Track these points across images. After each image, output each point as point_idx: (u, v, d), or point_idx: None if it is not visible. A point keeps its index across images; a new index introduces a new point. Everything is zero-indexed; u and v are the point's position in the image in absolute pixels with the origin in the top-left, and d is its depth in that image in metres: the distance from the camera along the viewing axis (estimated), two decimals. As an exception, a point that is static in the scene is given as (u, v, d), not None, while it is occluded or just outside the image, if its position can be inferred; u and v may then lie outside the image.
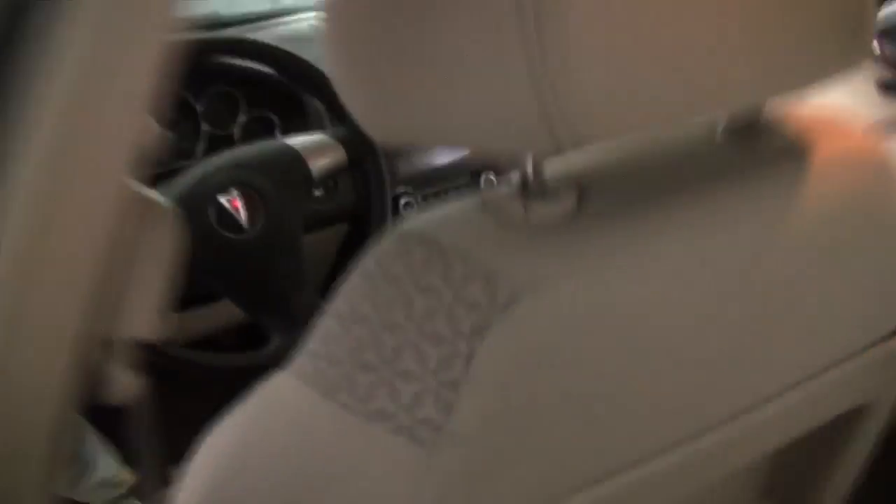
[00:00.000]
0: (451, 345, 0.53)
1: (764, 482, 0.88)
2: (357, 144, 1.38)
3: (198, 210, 1.29)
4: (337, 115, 1.39)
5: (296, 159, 1.36)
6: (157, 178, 1.37)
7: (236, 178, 1.31)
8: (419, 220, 0.59)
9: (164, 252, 0.72)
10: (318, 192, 1.41)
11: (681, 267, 0.59)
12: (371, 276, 0.57)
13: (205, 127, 1.48)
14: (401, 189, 1.50)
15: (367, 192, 1.44)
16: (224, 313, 1.38)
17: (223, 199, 1.30)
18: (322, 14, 0.56)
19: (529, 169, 0.57)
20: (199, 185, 1.32)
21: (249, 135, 1.50)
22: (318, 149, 1.38)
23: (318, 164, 1.36)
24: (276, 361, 0.62)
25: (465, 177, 1.57)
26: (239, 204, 1.30)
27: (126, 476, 1.11)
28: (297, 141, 1.38)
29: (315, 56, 1.41)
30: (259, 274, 1.33)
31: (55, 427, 0.64)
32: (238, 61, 1.41)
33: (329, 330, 0.58)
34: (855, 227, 0.67)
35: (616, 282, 0.56)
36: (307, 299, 1.33)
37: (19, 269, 0.61)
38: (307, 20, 1.64)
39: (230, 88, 1.49)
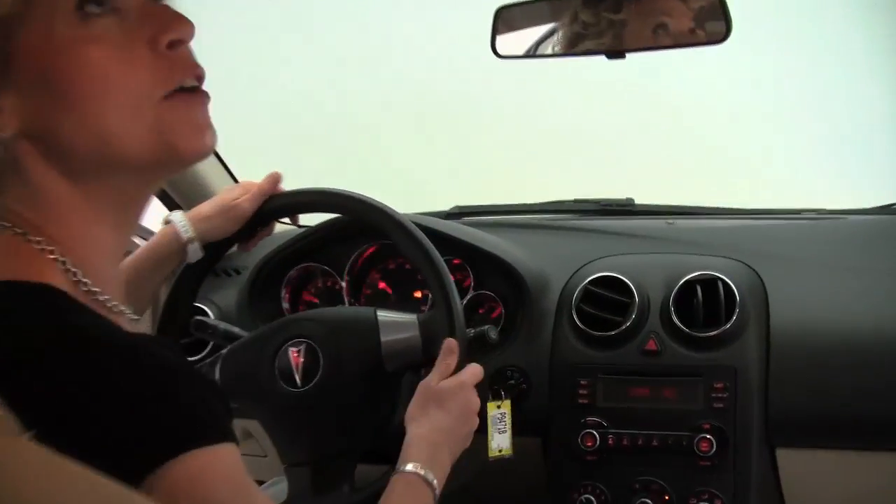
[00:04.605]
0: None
1: None
2: (433, 337, 1.43)
3: (266, 357, 1.47)
4: (434, 300, 1.45)
5: (369, 328, 1.46)
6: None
7: (305, 332, 1.46)
8: None
9: None
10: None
11: None
12: None
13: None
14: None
15: None
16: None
17: (292, 350, 1.46)
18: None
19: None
20: (275, 332, 1.50)
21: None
22: (396, 326, 1.47)
23: (390, 338, 1.45)
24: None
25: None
26: (299, 358, 1.45)
27: None
28: (385, 314, 1.49)
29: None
30: (301, 429, 1.47)
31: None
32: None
33: None
34: None
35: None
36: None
37: None
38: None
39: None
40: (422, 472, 1.23)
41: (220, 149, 2.07)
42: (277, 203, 1.54)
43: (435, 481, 1.23)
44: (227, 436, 0.80)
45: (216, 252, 1.54)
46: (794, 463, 1.61)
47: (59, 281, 0.82)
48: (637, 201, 2.09)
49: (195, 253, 1.48)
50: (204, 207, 1.51)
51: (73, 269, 0.84)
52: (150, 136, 0.84)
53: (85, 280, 0.84)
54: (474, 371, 1.40)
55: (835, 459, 1.60)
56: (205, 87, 0.90)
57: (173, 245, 1.47)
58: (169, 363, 0.79)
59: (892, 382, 1.53)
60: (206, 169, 2.03)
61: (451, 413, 1.33)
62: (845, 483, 1.62)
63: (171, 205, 2.04)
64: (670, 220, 1.93)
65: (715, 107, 3.27)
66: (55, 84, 0.81)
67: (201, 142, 0.88)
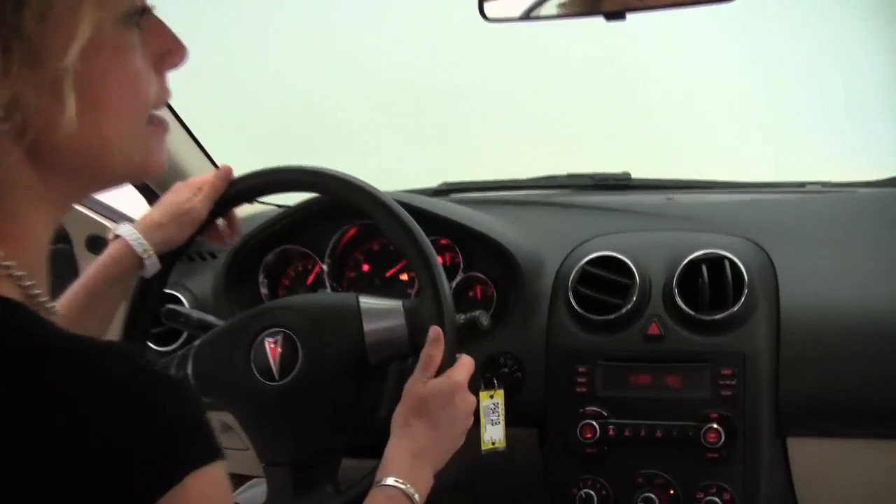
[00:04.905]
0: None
1: None
2: (419, 326, 1.33)
3: (240, 348, 1.37)
4: (420, 286, 1.36)
5: (351, 317, 1.35)
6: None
7: (282, 321, 1.36)
8: None
9: None
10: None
11: None
12: None
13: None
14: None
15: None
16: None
17: (268, 341, 1.35)
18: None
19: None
20: (250, 321, 1.39)
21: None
22: (380, 313, 1.36)
23: (374, 327, 1.35)
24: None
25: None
26: (276, 350, 1.34)
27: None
28: (368, 300, 1.38)
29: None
30: (280, 426, 1.37)
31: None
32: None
33: None
34: None
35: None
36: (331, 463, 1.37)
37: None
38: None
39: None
40: (402, 487, 1.17)
41: (200, 135, 1.98)
42: (246, 185, 1.43)
43: (416, 495, 1.17)
44: (219, 452, 0.72)
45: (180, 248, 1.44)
46: (806, 453, 1.52)
47: (6, 288, 0.74)
48: (633, 175, 1.98)
49: (153, 266, 1.37)
50: (154, 215, 1.39)
51: (19, 274, 0.75)
52: (136, 153, 0.80)
53: (30, 283, 0.76)
54: (467, 366, 1.30)
55: (850, 448, 1.51)
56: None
57: (128, 261, 1.35)
58: (153, 375, 0.71)
59: (911, 367, 1.44)
60: (186, 157, 1.92)
61: (438, 423, 1.25)
62: (860, 473, 1.53)
63: (149, 195, 1.92)
64: (670, 195, 1.83)
65: (709, 77, 3.18)
66: (81, 80, 0.72)
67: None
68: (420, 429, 1.23)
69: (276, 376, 1.34)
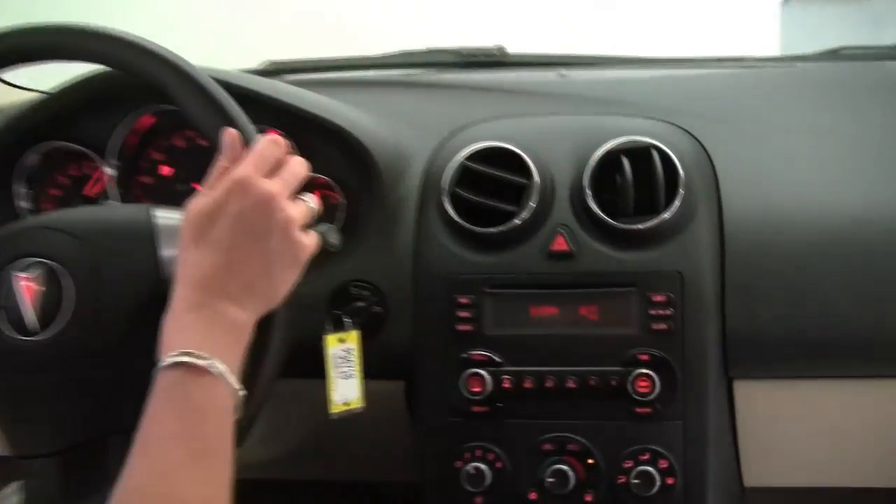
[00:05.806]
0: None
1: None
2: None
3: None
4: None
5: (142, 238, 1.01)
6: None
7: (41, 248, 0.99)
8: None
9: None
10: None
11: None
12: None
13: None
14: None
15: None
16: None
17: (21, 277, 0.98)
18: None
19: None
20: None
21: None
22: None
23: (175, 252, 0.96)
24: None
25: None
26: (33, 289, 0.97)
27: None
28: (168, 215, 1.03)
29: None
30: (39, 400, 0.99)
31: None
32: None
33: None
34: None
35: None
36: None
37: None
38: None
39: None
40: (167, 361, 0.84)
41: None
42: None
43: (215, 361, 0.84)
44: None
45: None
46: (756, 399, 1.20)
47: None
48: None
49: None
50: None
51: None
52: None
53: None
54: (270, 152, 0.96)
55: (810, 392, 1.20)
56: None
57: None
58: None
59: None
60: None
61: (237, 235, 0.90)
62: (822, 421, 1.22)
63: None
64: (562, 72, 1.45)
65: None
66: None
67: None
68: (207, 256, 0.89)
69: (34, 327, 0.97)
